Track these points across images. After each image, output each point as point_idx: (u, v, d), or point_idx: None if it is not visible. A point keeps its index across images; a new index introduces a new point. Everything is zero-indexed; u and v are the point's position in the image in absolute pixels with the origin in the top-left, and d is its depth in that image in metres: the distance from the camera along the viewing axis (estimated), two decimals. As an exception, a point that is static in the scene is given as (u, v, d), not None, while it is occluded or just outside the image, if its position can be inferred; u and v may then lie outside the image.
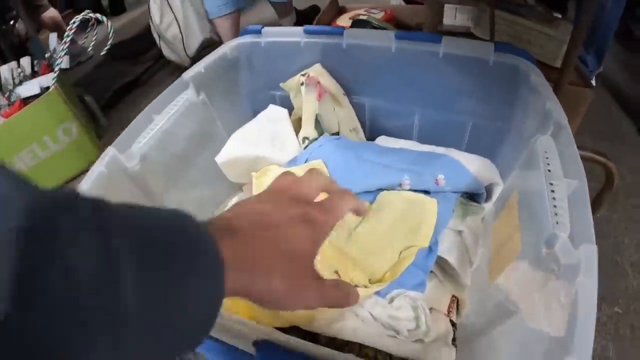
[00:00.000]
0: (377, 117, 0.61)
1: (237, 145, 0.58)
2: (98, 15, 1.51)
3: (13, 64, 1.21)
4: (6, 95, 1.10)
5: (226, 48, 0.60)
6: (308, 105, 0.56)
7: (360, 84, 0.59)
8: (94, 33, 1.56)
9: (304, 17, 1.61)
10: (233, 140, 0.58)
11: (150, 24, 1.48)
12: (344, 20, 1.11)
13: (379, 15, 1.01)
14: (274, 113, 0.61)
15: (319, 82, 0.56)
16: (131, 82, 1.62)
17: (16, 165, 1.10)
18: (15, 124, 1.04)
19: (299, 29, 0.58)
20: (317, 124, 0.57)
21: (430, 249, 0.45)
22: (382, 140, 0.60)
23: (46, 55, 1.25)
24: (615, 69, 1.47)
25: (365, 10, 1.07)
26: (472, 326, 0.46)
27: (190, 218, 0.21)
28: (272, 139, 0.58)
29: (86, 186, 0.40)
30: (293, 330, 0.41)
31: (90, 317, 0.15)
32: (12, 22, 1.58)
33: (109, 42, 1.32)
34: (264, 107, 0.64)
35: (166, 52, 1.56)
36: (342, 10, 1.18)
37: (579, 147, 0.93)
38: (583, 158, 0.94)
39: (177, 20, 1.42)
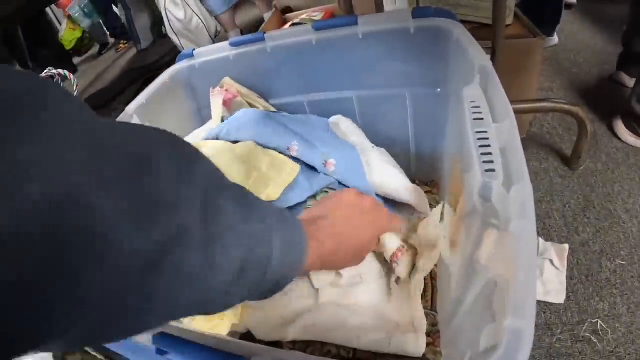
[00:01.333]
0: (318, 110, 0.59)
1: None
2: (61, 71, 1.56)
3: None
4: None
5: (165, 76, 0.62)
6: (215, 109, 0.58)
7: (293, 82, 0.58)
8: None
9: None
10: None
11: (169, 25, 1.79)
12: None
13: (319, 16, 1.01)
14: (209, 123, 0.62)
15: (226, 90, 0.58)
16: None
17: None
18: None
19: (225, 43, 0.59)
20: None
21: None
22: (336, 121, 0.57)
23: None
24: (578, 22, 1.47)
25: (307, 15, 1.06)
26: (449, 304, 0.42)
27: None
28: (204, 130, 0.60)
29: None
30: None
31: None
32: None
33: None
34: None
35: (187, 46, 1.77)
36: (287, 20, 1.18)
37: (544, 100, 0.90)
38: (549, 109, 0.91)
39: (195, 13, 1.76)
